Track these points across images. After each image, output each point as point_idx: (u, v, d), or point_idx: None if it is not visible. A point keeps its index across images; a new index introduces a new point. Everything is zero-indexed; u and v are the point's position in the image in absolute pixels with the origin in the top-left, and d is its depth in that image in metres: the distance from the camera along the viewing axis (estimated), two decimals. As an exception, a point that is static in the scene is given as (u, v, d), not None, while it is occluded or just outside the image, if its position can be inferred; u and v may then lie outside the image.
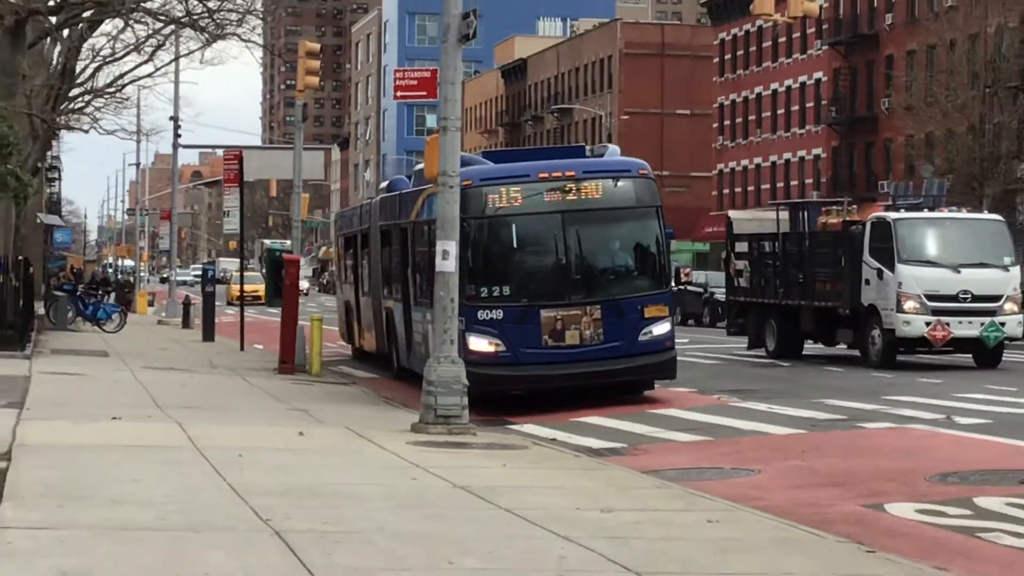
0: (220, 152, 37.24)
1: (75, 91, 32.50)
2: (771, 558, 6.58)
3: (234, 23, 25.51)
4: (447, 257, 12.08)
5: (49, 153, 36.65)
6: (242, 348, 24.83)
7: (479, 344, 14.31)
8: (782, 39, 54.63)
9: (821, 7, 32.30)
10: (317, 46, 23.69)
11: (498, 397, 14.70)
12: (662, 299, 14.95)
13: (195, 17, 25.35)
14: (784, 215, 25.27)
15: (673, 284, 15.95)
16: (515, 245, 15.08)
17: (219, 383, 18.43)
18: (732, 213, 34.72)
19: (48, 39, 27.83)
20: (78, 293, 30.95)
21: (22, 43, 22.93)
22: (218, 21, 25.27)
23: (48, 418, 12.35)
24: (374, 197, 21.68)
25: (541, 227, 14.92)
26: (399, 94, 18.85)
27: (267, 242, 58.32)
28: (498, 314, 14.38)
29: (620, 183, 15.04)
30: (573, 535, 6.81)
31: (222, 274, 53.32)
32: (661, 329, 14.81)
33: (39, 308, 30.51)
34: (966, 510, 8.24)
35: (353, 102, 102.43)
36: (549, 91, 68.78)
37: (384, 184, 22.82)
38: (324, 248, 77.73)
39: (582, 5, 78.53)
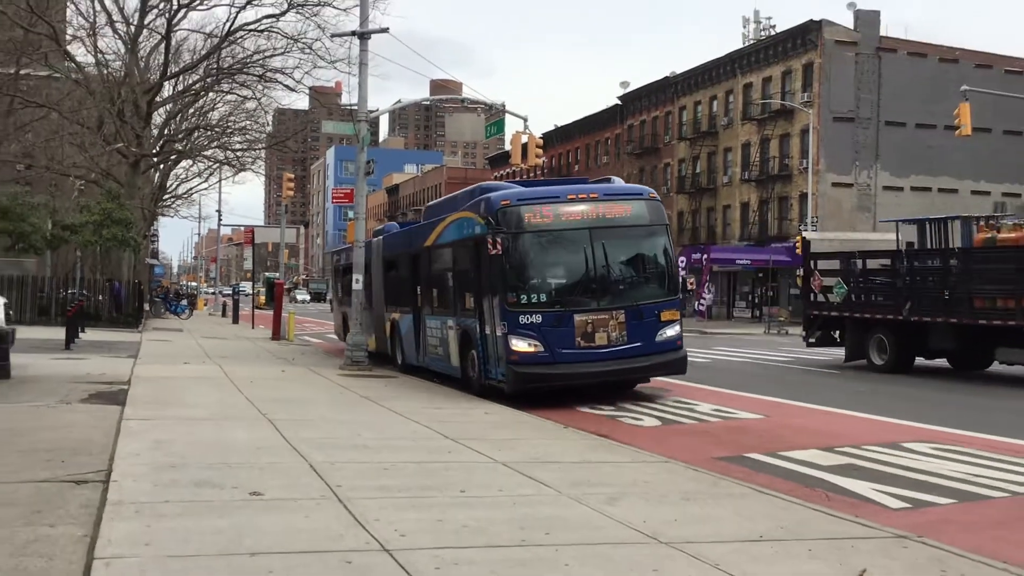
0: (243, 228, 65.09)
1: (166, 196, 59.43)
2: (519, 431, 12.35)
3: (250, 162, 49.09)
4: (358, 283, 21.47)
5: (152, 227, 65.54)
6: (253, 327, 41.26)
7: (521, 345, 14.95)
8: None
9: (544, 161, 42.90)
10: (292, 175, 45.19)
11: (534, 393, 15.33)
12: (674, 305, 15.88)
13: (230, 159, 48.30)
14: (905, 233, 24.89)
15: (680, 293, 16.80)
16: (549, 257, 15.58)
17: (239, 345, 29.37)
18: (808, 235, 34.25)
19: (152, 169, 48.79)
20: (166, 298, 58.07)
21: (139, 171, 41.32)
22: (242, 162, 48.13)
23: (150, 363, 20.33)
24: (372, 239, 24.56)
25: (571, 241, 15.49)
26: (335, 200, 35.31)
27: (267, 274, 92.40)
28: (537, 318, 14.97)
29: (636, 204, 15.90)
30: (420, 420, 12.48)
31: (242, 291, 77.40)
32: (673, 331, 15.70)
33: (147, 306, 48.91)
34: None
35: (311, 204, 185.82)
36: (411, 200, 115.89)
37: (378, 228, 26.34)
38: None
39: (428, 157, 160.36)
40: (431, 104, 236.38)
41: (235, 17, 40.62)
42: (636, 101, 70.99)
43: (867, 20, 53.96)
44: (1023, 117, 52.20)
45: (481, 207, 16.05)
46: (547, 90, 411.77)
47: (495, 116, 30.95)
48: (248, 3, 36.51)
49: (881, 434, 12.11)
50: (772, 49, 57.11)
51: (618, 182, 17.26)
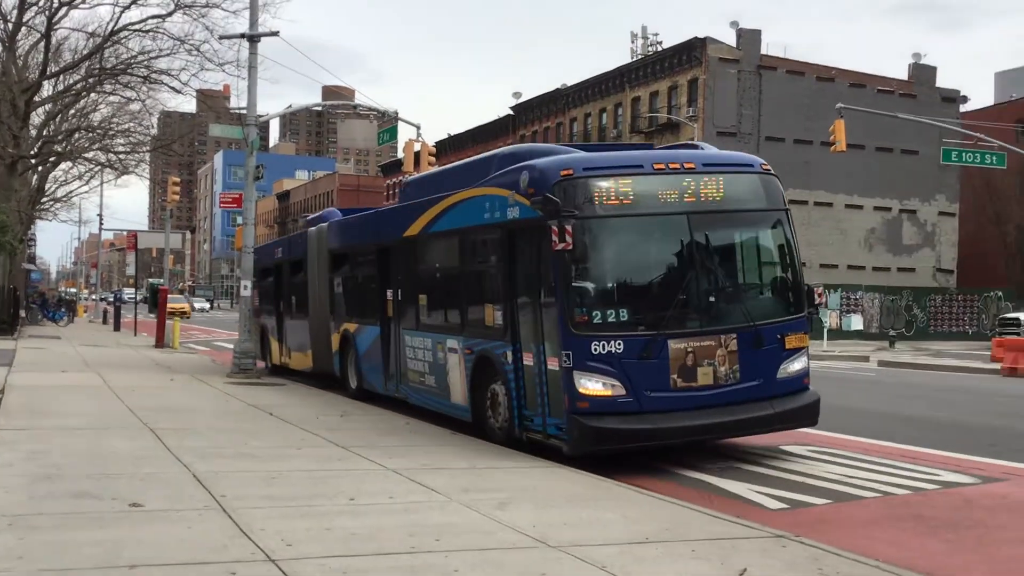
0: (126, 232, 65.59)
1: (45, 199, 56.15)
2: (606, 530, 11.84)
3: (133, 166, 46.17)
4: (246, 289, 20.76)
5: (30, 231, 60.35)
6: (135, 335, 39.51)
7: (592, 385, 9.99)
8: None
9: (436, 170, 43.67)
10: (178, 179, 42.96)
11: (608, 455, 10.41)
12: (801, 326, 11.10)
13: (112, 162, 45.49)
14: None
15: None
16: (632, 255, 10.79)
17: (120, 353, 28.22)
18: None
19: (30, 171, 45.98)
20: (44, 305, 55.23)
21: (16, 172, 38.38)
22: (125, 165, 45.33)
23: (25, 371, 19.44)
24: (309, 229, 19.66)
25: (663, 232, 10.74)
26: (222, 205, 34.35)
27: (151, 280, 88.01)
28: (616, 346, 10.01)
29: (748, 179, 11.14)
30: (310, 428, 12.33)
31: (126, 297, 74.69)
32: (799, 364, 11.02)
33: (23, 313, 46.99)
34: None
35: (198, 209, 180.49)
36: (301, 207, 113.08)
37: (313, 216, 21.89)
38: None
39: (319, 163, 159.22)
40: (323, 109, 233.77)
41: (119, 16, 39.38)
42: (528, 111, 71.65)
43: (749, 39, 55.67)
44: (894, 135, 54.54)
45: (523, 179, 10.87)
46: (441, 99, 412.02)
47: (388, 123, 30.86)
48: (133, 3, 35.40)
49: (757, 438, 12.19)
50: (659, 64, 58.40)
51: (709, 149, 12.13)
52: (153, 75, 37.01)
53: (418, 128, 26.78)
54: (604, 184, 10.40)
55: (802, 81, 55.75)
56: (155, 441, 10.96)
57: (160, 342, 32.51)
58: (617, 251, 10.73)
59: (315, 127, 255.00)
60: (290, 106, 27.12)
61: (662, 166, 10.73)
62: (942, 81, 60.15)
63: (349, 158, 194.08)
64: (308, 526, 6.99)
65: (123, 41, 36.85)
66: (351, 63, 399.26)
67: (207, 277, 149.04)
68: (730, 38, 56.02)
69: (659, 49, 62.14)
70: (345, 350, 17.42)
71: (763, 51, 56.38)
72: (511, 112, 73.71)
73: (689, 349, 10.36)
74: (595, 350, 10.03)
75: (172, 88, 37.15)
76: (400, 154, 64.51)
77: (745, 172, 11.26)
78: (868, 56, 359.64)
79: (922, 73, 59.24)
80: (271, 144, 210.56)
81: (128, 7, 35.76)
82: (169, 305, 41.06)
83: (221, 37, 29.63)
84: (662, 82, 57.96)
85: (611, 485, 9.01)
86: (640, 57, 62.76)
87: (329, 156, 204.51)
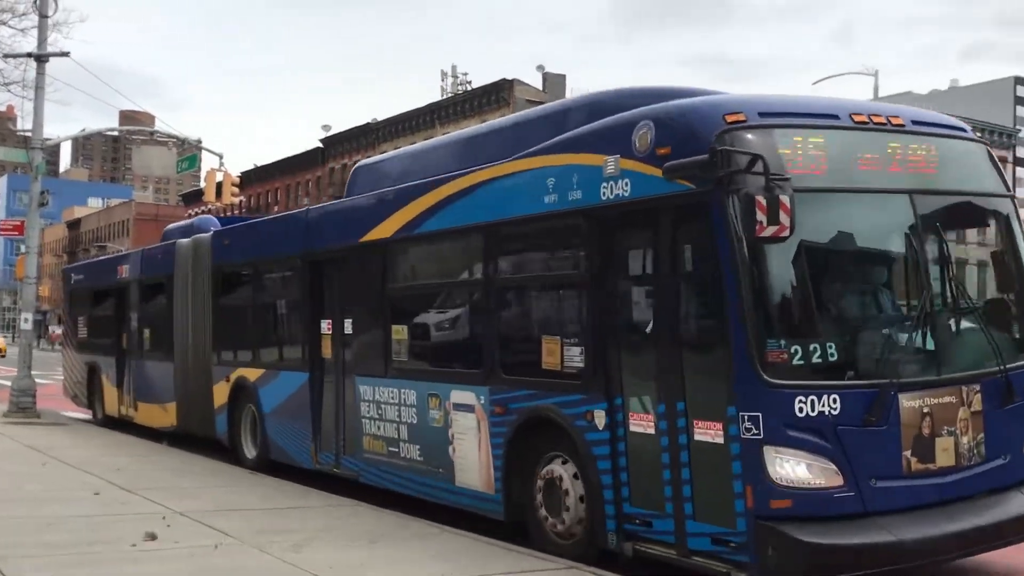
0: None
1: None
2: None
3: None
4: (27, 322, 19.67)
5: None
6: None
7: (798, 472, 6.10)
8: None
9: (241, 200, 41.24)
10: None
11: None
12: None
13: None
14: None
15: None
16: (843, 254, 6.83)
17: None
18: None
19: None
20: None
21: None
22: None
23: None
24: (179, 241, 15.06)
25: (881, 220, 6.92)
26: (2, 232, 29.38)
27: None
28: (831, 405, 6.13)
29: (966, 149, 7.43)
30: (93, 471, 11.52)
31: None
32: None
33: None
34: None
35: None
36: (94, 235, 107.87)
37: (177, 224, 16.90)
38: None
39: (115, 191, 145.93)
40: (120, 135, 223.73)
41: None
42: (338, 144, 71.01)
43: (554, 82, 57.47)
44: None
45: (643, 134, 6.86)
46: (246, 129, 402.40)
47: (188, 151, 29.82)
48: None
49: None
50: (468, 103, 59.32)
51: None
52: (-71, 92, 34.47)
53: (220, 157, 25.99)
54: (795, 140, 6.41)
55: (604, 125, 57.85)
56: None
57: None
58: (818, 245, 6.50)
59: (111, 152, 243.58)
60: (83, 130, 25.82)
61: (864, 119, 6.76)
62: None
63: (148, 186, 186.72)
64: (87, 575, 6.56)
65: None
66: (150, 89, 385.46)
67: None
68: (537, 81, 57.65)
69: (468, 88, 63.10)
70: (237, 405, 12.73)
71: (568, 95, 58.30)
72: (320, 144, 72.87)
73: (926, 409, 6.41)
74: (800, 410, 6.04)
75: (-50, 106, 34.76)
76: (203, 183, 62.66)
77: (962, 139, 7.45)
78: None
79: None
80: (62, 169, 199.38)
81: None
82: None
83: (6, 56, 27.86)
84: (471, 120, 58.81)
85: (411, 522, 8.84)
86: (450, 95, 63.53)
87: (126, 183, 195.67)
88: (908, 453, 6.36)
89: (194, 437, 14.30)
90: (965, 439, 6.61)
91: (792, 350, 6.18)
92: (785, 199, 5.93)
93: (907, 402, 6.37)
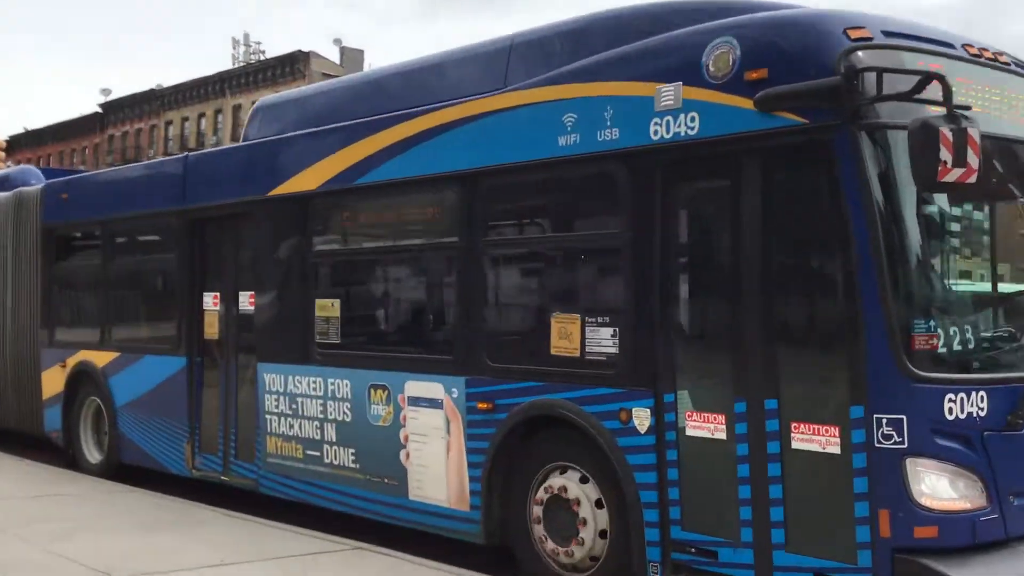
0: None
1: None
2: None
3: None
4: None
5: None
6: None
7: (944, 489, 4.84)
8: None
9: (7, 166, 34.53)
10: None
11: None
12: None
13: None
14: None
15: None
16: (974, 212, 5.56)
17: None
18: None
19: None
20: None
21: None
22: None
23: None
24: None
25: (1012, 167, 5.73)
26: None
27: None
28: (979, 405, 4.89)
29: None
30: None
31: None
32: None
33: None
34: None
35: None
36: None
37: None
38: None
39: None
40: None
41: None
42: (119, 111, 67.33)
43: (352, 57, 56.67)
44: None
45: (720, 54, 5.36)
46: (15, 89, 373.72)
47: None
48: None
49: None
50: (262, 74, 57.61)
51: None
52: None
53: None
54: (916, 65, 4.98)
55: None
56: None
57: None
58: (970, 209, 5.48)
59: None
60: None
61: (975, 51, 5.55)
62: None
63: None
64: None
65: None
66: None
67: None
68: (334, 55, 56.62)
69: (262, 58, 61.22)
70: (76, 397, 10.51)
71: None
72: (99, 110, 68.81)
73: None
74: (950, 412, 4.85)
75: None
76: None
77: None
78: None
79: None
80: None
81: None
82: None
83: None
84: (265, 91, 57.01)
85: (199, 510, 8.34)
86: (242, 64, 61.40)
87: None
88: None
89: (10, 434, 11.87)
90: None
91: (940, 335, 4.90)
92: (975, 134, 4.58)
93: None
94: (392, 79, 7.89)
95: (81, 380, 10.43)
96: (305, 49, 55.35)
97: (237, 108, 58.96)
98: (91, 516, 7.96)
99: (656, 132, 5.57)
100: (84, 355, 10.37)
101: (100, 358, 10.14)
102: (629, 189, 5.74)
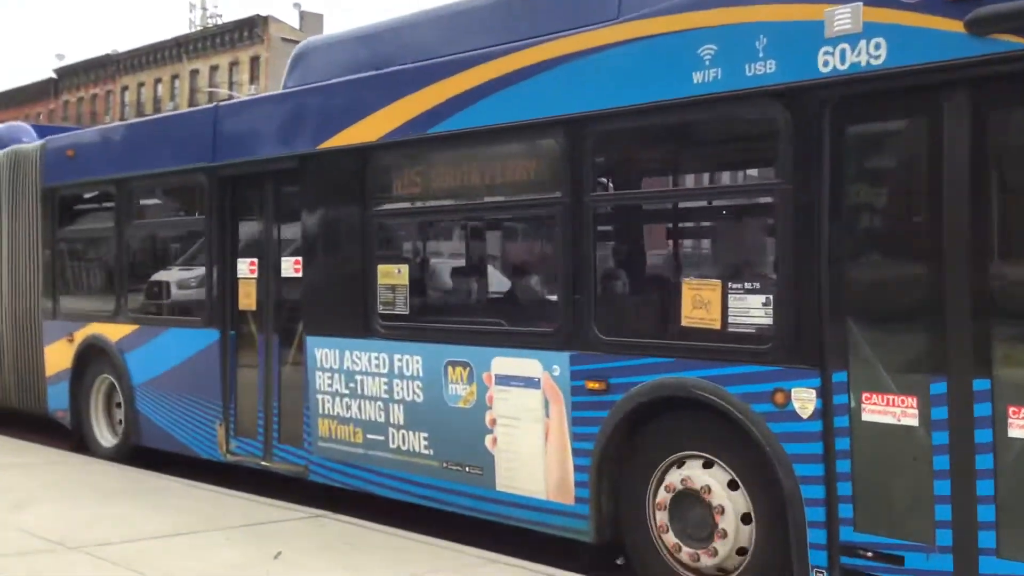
0: None
1: None
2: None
3: None
4: None
5: None
6: None
7: None
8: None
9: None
10: None
11: None
12: None
13: None
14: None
15: None
16: None
17: None
18: None
19: None
20: None
21: None
22: None
23: None
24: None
25: None
26: None
27: None
28: None
29: None
30: None
31: None
32: None
33: None
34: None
35: None
36: None
37: None
38: None
39: None
40: None
41: None
42: (74, 76, 66.11)
43: (311, 21, 55.92)
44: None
45: None
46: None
47: None
48: None
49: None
50: (219, 38, 56.76)
51: None
52: None
53: (-68, 83, 23.43)
54: None
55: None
56: None
57: None
58: None
59: None
60: None
61: None
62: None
63: None
64: None
65: None
66: None
67: None
68: (294, 19, 55.90)
69: (219, 23, 60.29)
70: (85, 374, 9.61)
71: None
72: (54, 75, 67.50)
73: None
74: None
75: None
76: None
77: None
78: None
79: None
80: None
81: None
82: None
83: None
84: (223, 56, 56.33)
85: (149, 477, 8.45)
86: (200, 29, 60.48)
87: None
88: None
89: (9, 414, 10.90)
90: None
91: None
92: None
93: None
94: (477, 12, 6.68)
95: (91, 355, 9.46)
96: (263, 14, 54.57)
97: (194, 73, 58.07)
98: (40, 485, 7.83)
99: (827, 63, 4.61)
100: (95, 328, 9.40)
101: (114, 331, 9.19)
102: (788, 133, 4.78)
